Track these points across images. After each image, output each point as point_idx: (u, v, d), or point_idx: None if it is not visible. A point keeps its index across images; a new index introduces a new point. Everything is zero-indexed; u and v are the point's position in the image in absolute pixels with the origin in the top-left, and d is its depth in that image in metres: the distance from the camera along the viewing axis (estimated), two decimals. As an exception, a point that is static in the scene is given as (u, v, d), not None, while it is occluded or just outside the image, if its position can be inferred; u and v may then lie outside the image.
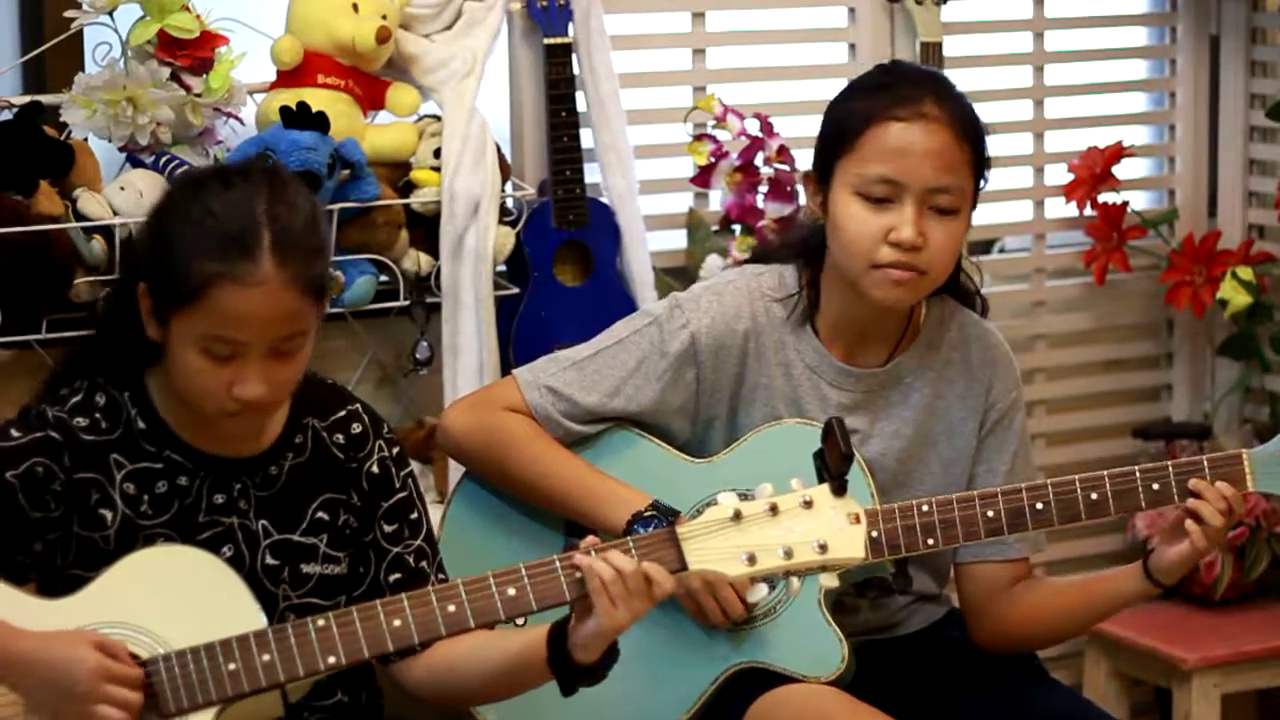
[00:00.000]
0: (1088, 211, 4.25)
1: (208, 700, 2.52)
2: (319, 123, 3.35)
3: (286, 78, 3.49)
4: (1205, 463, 2.91)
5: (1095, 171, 4.21)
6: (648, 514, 2.85)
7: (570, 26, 3.69)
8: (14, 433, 2.62)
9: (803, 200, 3.16)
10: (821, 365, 3.02)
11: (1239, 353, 4.35)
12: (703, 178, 3.87)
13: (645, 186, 3.79)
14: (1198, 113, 4.43)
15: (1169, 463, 2.92)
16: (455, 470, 3.23)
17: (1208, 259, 4.27)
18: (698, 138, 3.86)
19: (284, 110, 3.35)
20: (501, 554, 2.95)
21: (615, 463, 3.01)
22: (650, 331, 3.01)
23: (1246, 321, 4.27)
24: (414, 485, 2.82)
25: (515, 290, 3.68)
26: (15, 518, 2.58)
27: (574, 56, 3.70)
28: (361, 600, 2.65)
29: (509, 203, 3.67)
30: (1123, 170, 4.24)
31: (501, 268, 3.68)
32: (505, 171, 3.65)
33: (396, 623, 2.56)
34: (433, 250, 3.57)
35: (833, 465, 2.54)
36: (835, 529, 2.52)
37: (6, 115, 3.30)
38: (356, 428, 2.78)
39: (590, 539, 2.62)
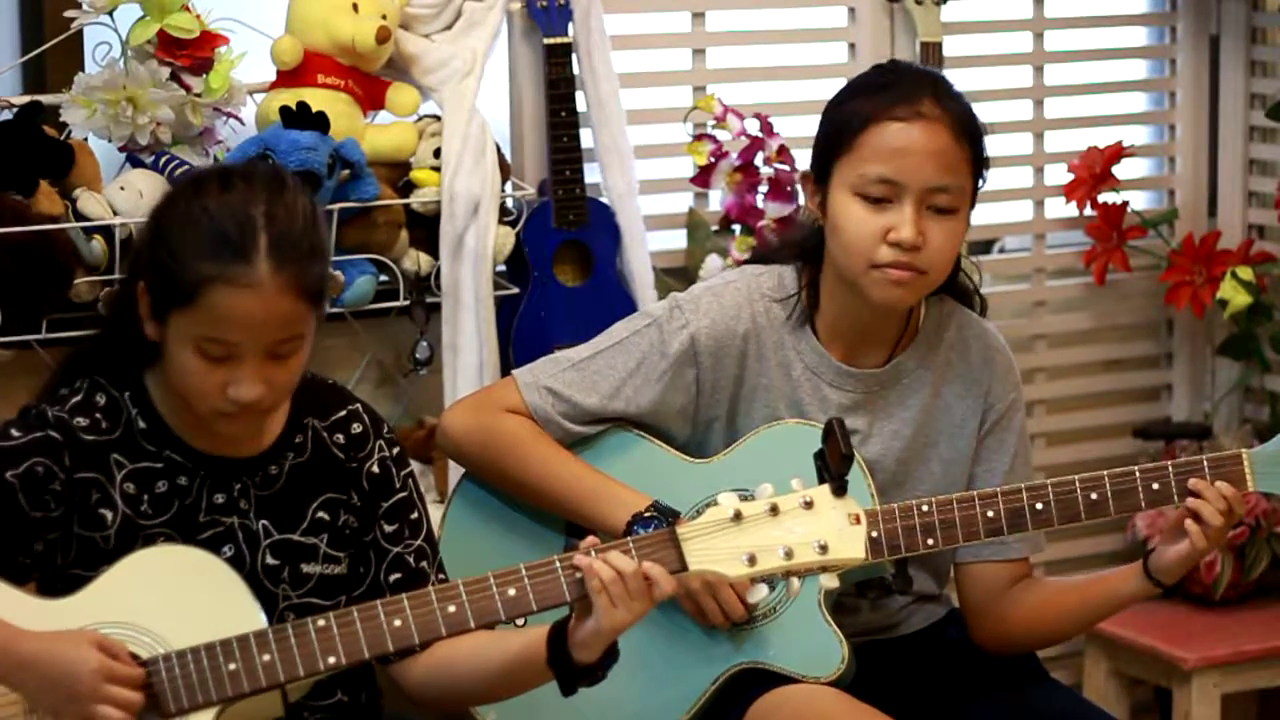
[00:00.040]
0: (1088, 211, 4.25)
1: (208, 700, 2.52)
2: (319, 123, 3.35)
3: (286, 78, 3.49)
4: (1205, 462, 2.91)
5: (1095, 171, 4.21)
6: (647, 515, 2.84)
7: (570, 26, 3.69)
8: (14, 433, 2.62)
9: (803, 200, 3.16)
10: (821, 366, 3.02)
11: (1239, 353, 4.35)
12: (703, 178, 3.87)
13: (645, 186, 3.79)
14: (1198, 113, 4.43)
15: (1169, 463, 2.92)
16: (455, 470, 3.23)
17: (1208, 259, 4.27)
18: (698, 138, 3.86)
19: (284, 110, 3.35)
20: (501, 555, 2.94)
21: (615, 463, 3.01)
22: (650, 333, 3.01)
23: (1246, 321, 4.27)
24: (414, 485, 2.82)
25: (515, 290, 3.68)
26: (16, 518, 2.58)
27: (574, 56, 3.70)
28: (362, 600, 2.65)
29: (509, 203, 3.67)
30: (1123, 170, 4.24)
31: (501, 268, 3.68)
32: (505, 171, 3.65)
33: (397, 623, 2.56)
34: (433, 250, 3.57)
35: (833, 466, 2.54)
36: (836, 529, 2.52)
37: (6, 115, 3.30)
38: (357, 428, 2.78)
39: (590, 539, 2.62)
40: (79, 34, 3.41)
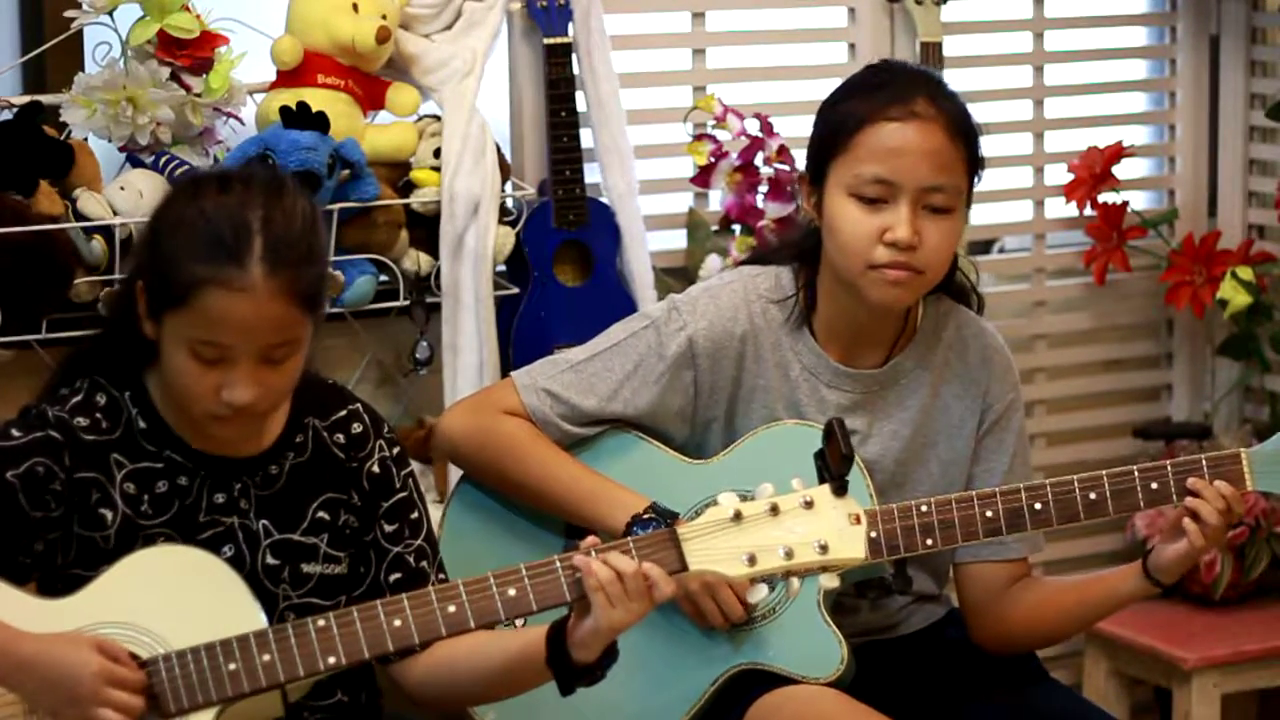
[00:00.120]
0: (1088, 211, 4.25)
1: (208, 700, 2.52)
2: (319, 123, 3.35)
3: (286, 78, 3.49)
4: (1204, 461, 2.91)
5: (1095, 171, 4.21)
6: (646, 516, 2.84)
7: (570, 26, 3.70)
8: (14, 432, 2.62)
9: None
10: (819, 367, 3.02)
11: (1239, 353, 4.35)
12: (703, 178, 3.87)
13: (645, 186, 3.79)
14: (1198, 113, 4.43)
15: (1167, 462, 2.92)
16: (455, 471, 3.23)
17: (1207, 259, 4.27)
18: (698, 138, 3.86)
19: (284, 110, 3.35)
20: (499, 557, 2.93)
21: (613, 465, 3.01)
22: (647, 334, 3.01)
23: (1246, 321, 4.27)
24: (414, 485, 2.82)
25: (515, 290, 3.68)
26: (16, 518, 2.58)
27: (574, 56, 3.70)
28: (362, 600, 2.65)
29: (509, 203, 3.67)
30: (1123, 170, 4.24)
31: (501, 268, 3.68)
32: (505, 171, 3.65)
33: (397, 623, 2.56)
34: (433, 250, 3.57)
35: (833, 465, 2.54)
36: (836, 529, 2.52)
37: (6, 115, 3.30)
38: (357, 427, 2.78)
39: (591, 538, 2.62)
40: (79, 34, 3.41)
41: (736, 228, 3.87)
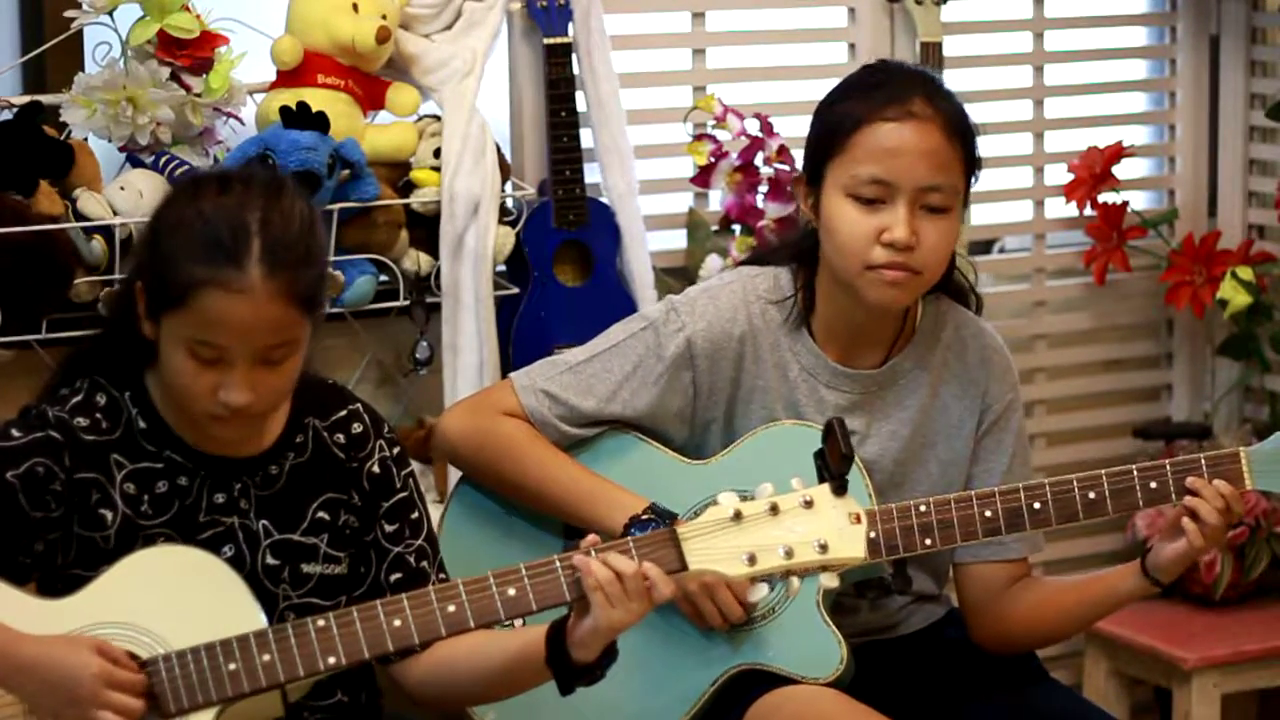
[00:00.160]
0: (1088, 211, 4.25)
1: (208, 700, 2.52)
2: (319, 123, 3.35)
3: (286, 78, 3.49)
4: (1203, 461, 2.91)
5: (1095, 171, 4.21)
6: (645, 517, 2.84)
7: (570, 26, 3.70)
8: (14, 433, 2.62)
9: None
10: (818, 367, 3.02)
11: (1239, 353, 4.35)
12: (703, 178, 3.87)
13: (645, 186, 3.79)
14: (1198, 113, 4.43)
15: (1166, 461, 2.92)
16: (455, 471, 3.23)
17: (1207, 259, 4.27)
18: (698, 138, 3.86)
19: (284, 110, 3.35)
20: (500, 555, 2.94)
21: (612, 466, 3.01)
22: (646, 335, 3.01)
23: (1246, 321, 4.27)
24: (415, 485, 2.82)
25: (515, 290, 3.68)
26: (16, 518, 2.58)
27: (574, 56, 3.70)
28: (362, 600, 2.65)
29: (509, 203, 3.67)
30: (1123, 170, 4.24)
31: (501, 268, 3.68)
32: (505, 171, 3.65)
33: (397, 623, 2.56)
34: (433, 250, 3.57)
35: (833, 465, 2.54)
36: (836, 529, 2.52)
37: (6, 115, 3.30)
38: (357, 427, 2.78)
39: (591, 538, 2.62)
40: (79, 34, 3.41)
41: (736, 228, 3.87)
